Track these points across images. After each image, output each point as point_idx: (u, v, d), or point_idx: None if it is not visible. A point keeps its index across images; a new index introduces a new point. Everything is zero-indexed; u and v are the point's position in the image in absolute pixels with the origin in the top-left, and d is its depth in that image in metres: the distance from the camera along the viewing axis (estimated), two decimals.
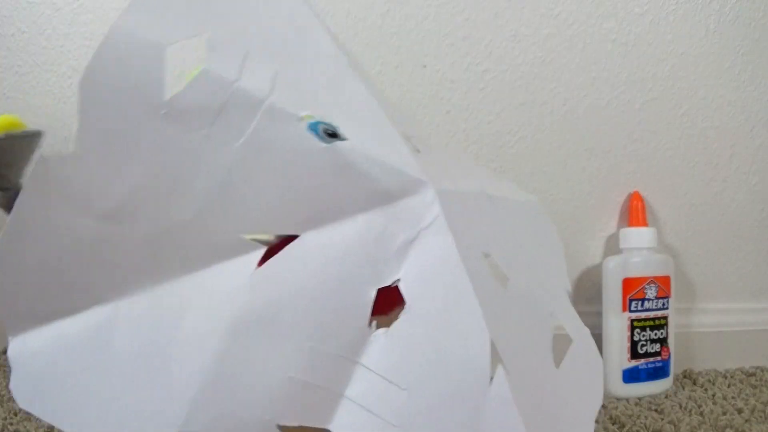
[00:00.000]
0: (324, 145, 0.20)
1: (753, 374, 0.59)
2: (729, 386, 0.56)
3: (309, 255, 0.20)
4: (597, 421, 0.47)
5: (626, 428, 0.46)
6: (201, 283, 0.19)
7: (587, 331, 0.28)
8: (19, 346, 0.19)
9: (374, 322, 0.20)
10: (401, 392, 0.19)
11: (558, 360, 0.24)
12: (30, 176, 0.18)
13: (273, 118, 0.20)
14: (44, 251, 0.19)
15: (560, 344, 0.25)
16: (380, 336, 0.20)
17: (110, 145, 0.18)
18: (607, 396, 0.54)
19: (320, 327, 0.20)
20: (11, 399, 0.45)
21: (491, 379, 0.20)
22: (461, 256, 0.21)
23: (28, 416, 0.43)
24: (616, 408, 0.50)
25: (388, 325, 0.21)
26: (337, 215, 0.20)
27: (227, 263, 0.20)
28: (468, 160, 0.31)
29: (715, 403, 0.51)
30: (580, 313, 0.64)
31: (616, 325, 0.55)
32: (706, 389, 0.55)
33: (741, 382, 0.57)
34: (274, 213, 0.20)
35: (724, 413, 0.49)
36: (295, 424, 0.19)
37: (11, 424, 0.42)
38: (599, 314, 0.57)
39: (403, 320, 0.20)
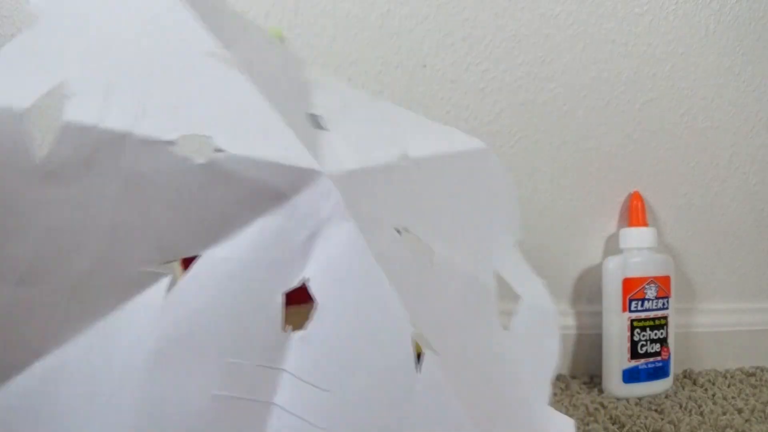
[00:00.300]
0: (199, 162, 0.20)
1: (753, 374, 0.59)
2: (729, 386, 0.56)
3: (212, 272, 0.20)
4: (597, 421, 0.47)
5: (626, 428, 0.46)
6: (118, 322, 0.19)
7: (540, 281, 0.27)
8: None
9: (290, 327, 0.20)
10: (323, 393, 0.19)
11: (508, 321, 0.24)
12: None
13: (142, 149, 0.19)
14: None
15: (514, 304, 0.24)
16: (297, 339, 0.20)
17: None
18: (607, 396, 0.54)
19: (235, 340, 0.19)
20: None
21: (418, 364, 0.20)
22: (368, 241, 0.21)
23: None
24: (616, 408, 0.50)
25: (305, 317, 0.20)
26: (232, 226, 0.20)
27: (137, 298, 0.20)
28: (401, 118, 0.30)
29: (715, 403, 0.51)
30: (580, 313, 0.64)
31: (616, 325, 0.55)
32: (706, 389, 0.55)
33: (741, 382, 0.57)
34: (168, 240, 0.20)
35: (724, 413, 0.49)
36: None
37: None
38: (599, 314, 0.57)
39: (316, 320, 0.20)
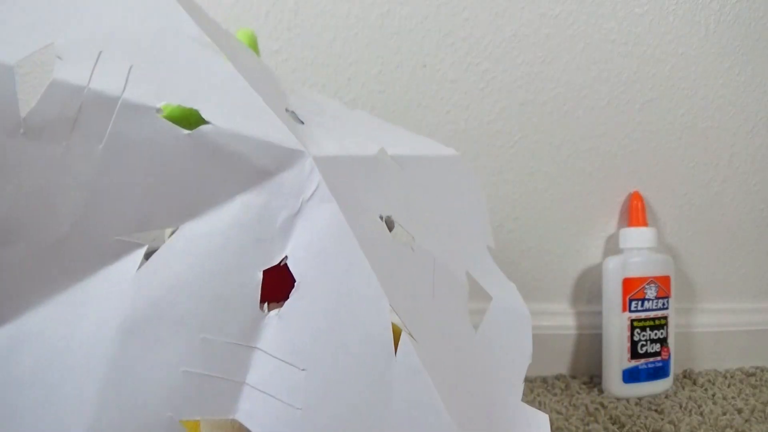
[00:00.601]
0: (186, 132, 0.20)
1: (753, 374, 0.59)
2: (729, 386, 0.56)
3: (190, 246, 0.20)
4: (597, 421, 0.47)
5: (626, 428, 0.46)
6: (88, 291, 0.19)
7: (512, 285, 0.28)
8: None
9: (266, 305, 0.20)
10: (300, 373, 0.19)
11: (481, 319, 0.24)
12: None
13: (130, 114, 0.19)
14: None
15: (487, 304, 0.25)
16: (273, 318, 0.20)
17: None
18: (607, 396, 0.54)
19: (210, 317, 0.19)
20: None
21: (396, 348, 0.20)
22: (349, 222, 0.20)
23: None
24: (616, 408, 0.50)
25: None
26: (213, 201, 0.20)
27: (110, 267, 0.19)
28: (377, 124, 0.31)
29: (715, 403, 0.51)
30: (580, 313, 0.64)
31: (616, 325, 0.55)
32: (706, 389, 0.55)
33: (741, 382, 0.57)
34: (147, 210, 0.20)
35: (724, 413, 0.49)
36: (198, 417, 0.19)
37: None
38: (599, 314, 0.57)
39: (294, 298, 0.20)
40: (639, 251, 0.56)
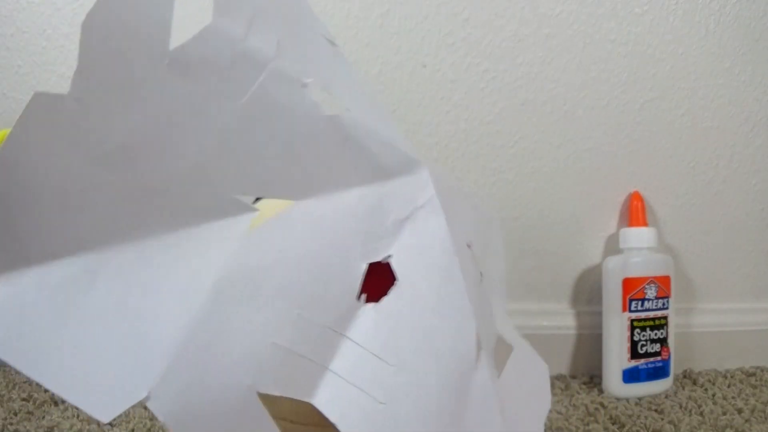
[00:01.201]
0: (327, 114, 0.20)
1: (753, 374, 0.59)
2: (729, 386, 0.56)
3: (301, 223, 0.20)
4: (597, 421, 0.47)
5: (626, 428, 0.46)
6: (190, 240, 0.19)
7: (526, 342, 0.28)
8: None
9: (363, 296, 0.20)
10: (389, 368, 0.19)
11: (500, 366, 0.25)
12: (24, 112, 0.17)
13: (278, 80, 0.19)
14: (33, 191, 0.18)
15: (501, 351, 0.25)
16: (369, 310, 0.20)
17: (110, 88, 0.18)
18: (607, 396, 0.54)
19: (308, 296, 0.19)
20: (11, 399, 0.45)
21: (476, 362, 0.20)
22: (452, 239, 0.21)
23: (28, 416, 0.43)
24: (616, 408, 0.50)
25: None
26: (332, 186, 0.20)
27: (219, 223, 0.19)
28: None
29: (715, 403, 0.51)
30: (580, 313, 0.64)
31: (616, 325, 0.55)
32: (706, 389, 0.55)
33: (741, 382, 0.57)
34: (270, 176, 0.20)
35: (724, 413, 0.49)
36: (277, 393, 0.18)
37: (11, 424, 0.42)
38: (599, 314, 0.57)
39: (393, 296, 0.20)
40: (639, 251, 0.56)
